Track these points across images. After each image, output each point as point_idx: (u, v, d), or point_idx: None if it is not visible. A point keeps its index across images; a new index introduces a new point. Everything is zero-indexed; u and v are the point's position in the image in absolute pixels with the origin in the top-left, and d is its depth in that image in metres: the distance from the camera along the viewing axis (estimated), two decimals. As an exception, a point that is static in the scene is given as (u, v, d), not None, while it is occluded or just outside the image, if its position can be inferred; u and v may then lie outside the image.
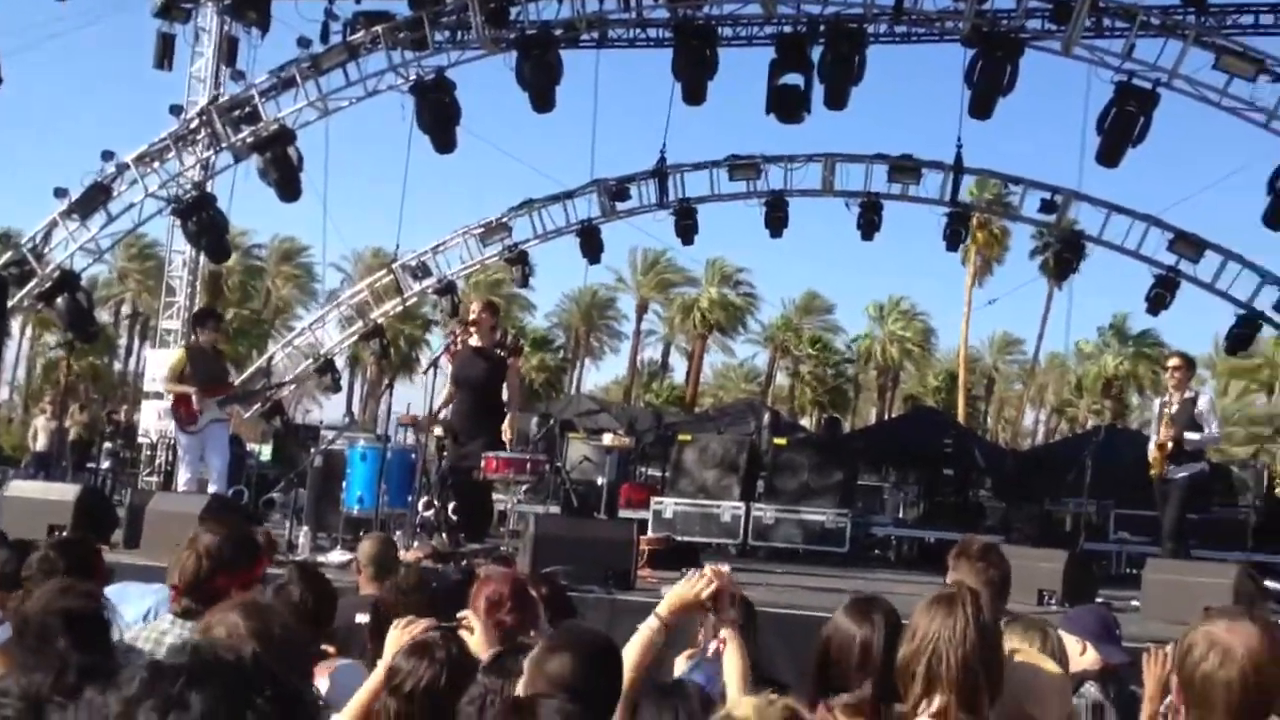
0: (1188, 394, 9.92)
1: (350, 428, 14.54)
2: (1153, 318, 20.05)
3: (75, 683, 1.97)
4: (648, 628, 3.54)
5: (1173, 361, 10.31)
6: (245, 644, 1.62)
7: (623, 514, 13.55)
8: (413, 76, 16.94)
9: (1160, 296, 19.15)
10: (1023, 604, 7.63)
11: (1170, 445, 9.66)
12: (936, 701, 2.78)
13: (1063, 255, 20.56)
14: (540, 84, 16.13)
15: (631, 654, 3.44)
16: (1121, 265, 19.40)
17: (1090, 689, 4.29)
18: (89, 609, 3.02)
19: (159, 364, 19.05)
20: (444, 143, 17.01)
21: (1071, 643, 4.28)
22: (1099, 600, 7.46)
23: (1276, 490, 9.52)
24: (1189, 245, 18.56)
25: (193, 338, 12.87)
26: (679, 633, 3.94)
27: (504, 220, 21.22)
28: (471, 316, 10.43)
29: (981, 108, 15.65)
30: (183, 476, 11.33)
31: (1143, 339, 56.97)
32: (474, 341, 10.16)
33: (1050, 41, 15.97)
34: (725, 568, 3.76)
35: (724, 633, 3.66)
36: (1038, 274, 47.23)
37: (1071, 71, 16.33)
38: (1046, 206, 19.66)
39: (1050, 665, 3.24)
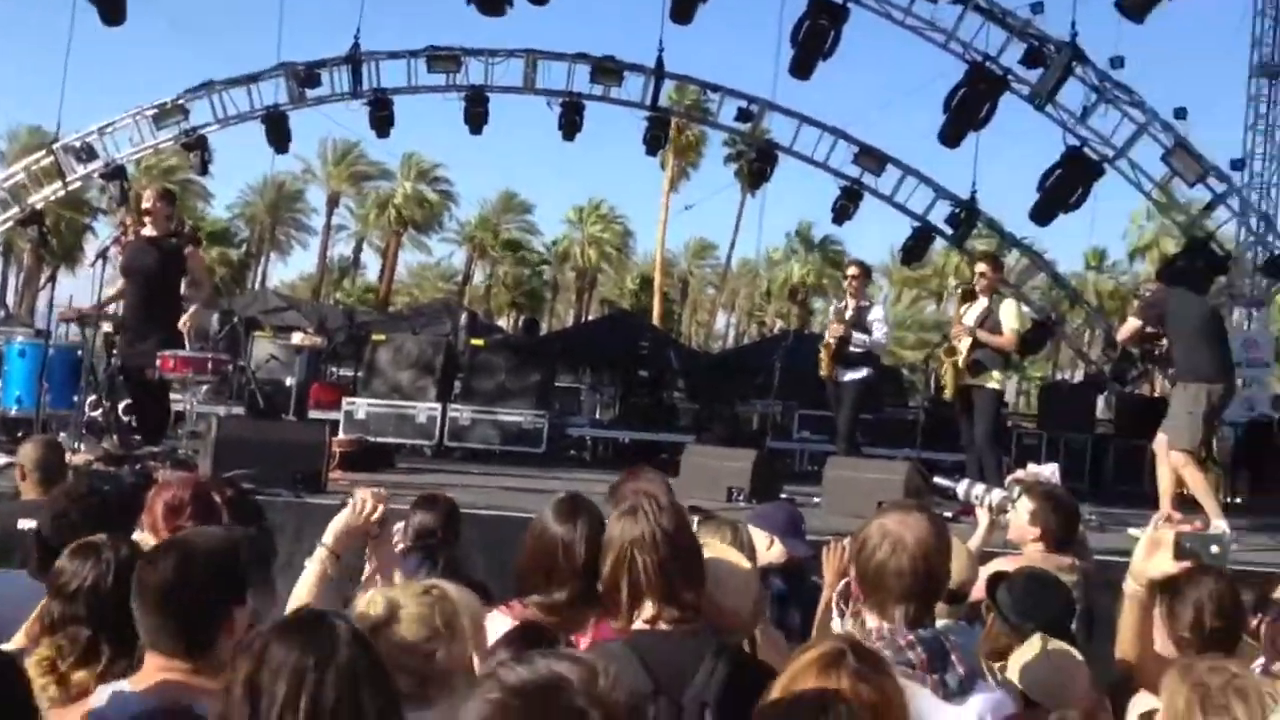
0: (863, 301, 10.36)
1: (5, 322, 13.37)
2: (837, 226, 21.06)
3: None
4: (318, 560, 3.43)
5: (851, 270, 10.75)
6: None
7: (313, 415, 13.11)
8: (76, -61, 15.46)
9: (845, 207, 20.13)
10: (713, 501, 7.92)
11: (835, 345, 10.05)
12: (647, 608, 2.84)
13: (756, 164, 21.19)
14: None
15: (302, 589, 3.37)
16: (811, 175, 20.19)
17: (775, 581, 4.44)
18: None
19: None
20: (113, 13, 15.66)
21: (760, 537, 4.45)
22: (784, 496, 7.78)
23: (944, 393, 10.13)
24: (872, 159, 19.54)
25: None
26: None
27: (180, 102, 19.77)
28: (145, 204, 9.69)
29: (682, 12, 15.81)
30: None
31: (826, 247, 59.97)
32: (147, 231, 9.44)
33: (748, -47, 16.24)
34: (382, 491, 3.65)
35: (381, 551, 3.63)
36: (732, 180, 48.72)
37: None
38: (742, 115, 20.18)
39: (739, 558, 3.35)
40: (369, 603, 2.70)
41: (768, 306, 65.47)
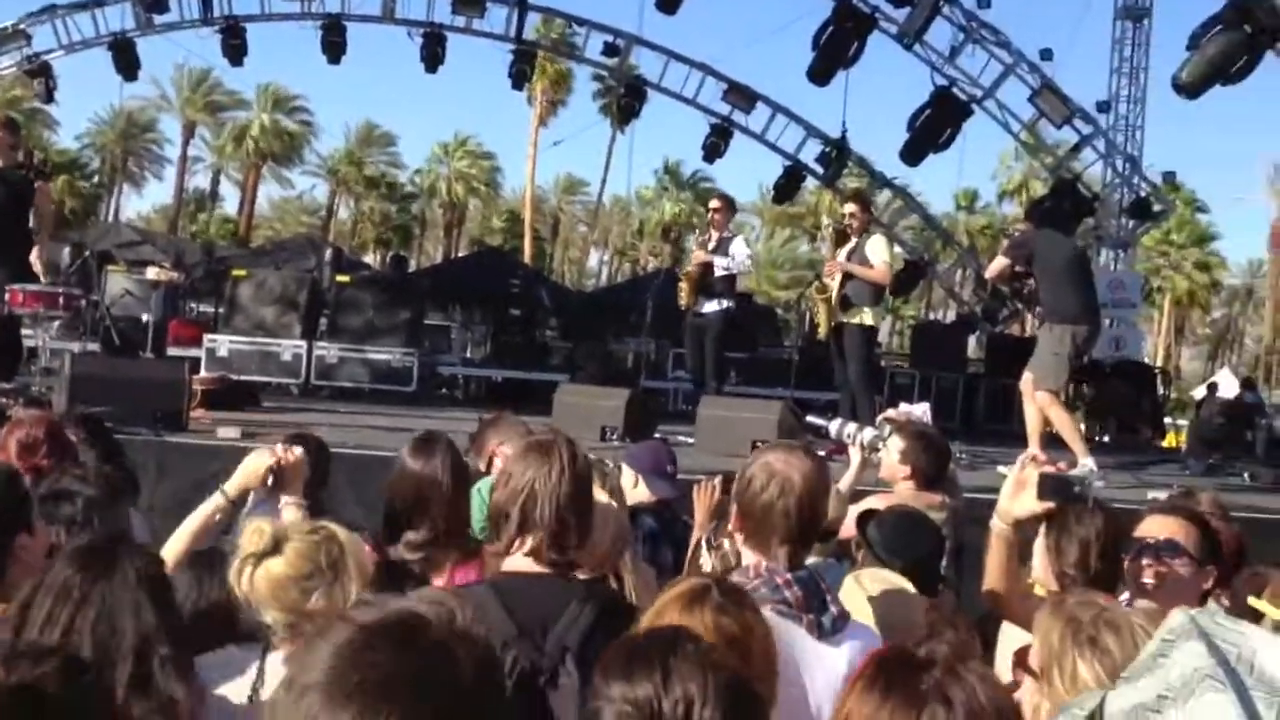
0: (726, 233, 10.34)
1: None
2: (708, 164, 21.05)
3: None
4: (211, 504, 3.42)
5: (714, 203, 10.69)
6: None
7: (172, 353, 12.72)
8: None
9: (715, 145, 20.11)
10: (587, 440, 7.92)
11: (697, 274, 10.04)
12: (529, 541, 2.82)
13: (625, 100, 21.05)
14: None
15: (189, 528, 3.35)
16: (681, 111, 20.14)
17: (646, 520, 4.48)
18: None
19: None
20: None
21: (628, 476, 4.47)
22: (657, 436, 7.81)
23: (819, 332, 10.18)
24: (742, 96, 19.52)
25: None
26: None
27: (21, 27, 18.79)
28: (-14, 135, 9.22)
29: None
30: None
31: (697, 184, 60.00)
32: (-8, 163, 9.02)
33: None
34: (298, 450, 3.61)
35: (286, 512, 3.53)
36: (601, 117, 48.36)
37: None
38: (609, 50, 19.96)
39: (600, 496, 3.34)
40: (254, 531, 2.65)
41: (640, 245, 65.38)
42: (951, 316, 29.58)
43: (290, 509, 3.48)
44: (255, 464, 3.48)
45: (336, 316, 13.79)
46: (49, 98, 20.86)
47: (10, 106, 40.79)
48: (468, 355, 16.99)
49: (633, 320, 15.11)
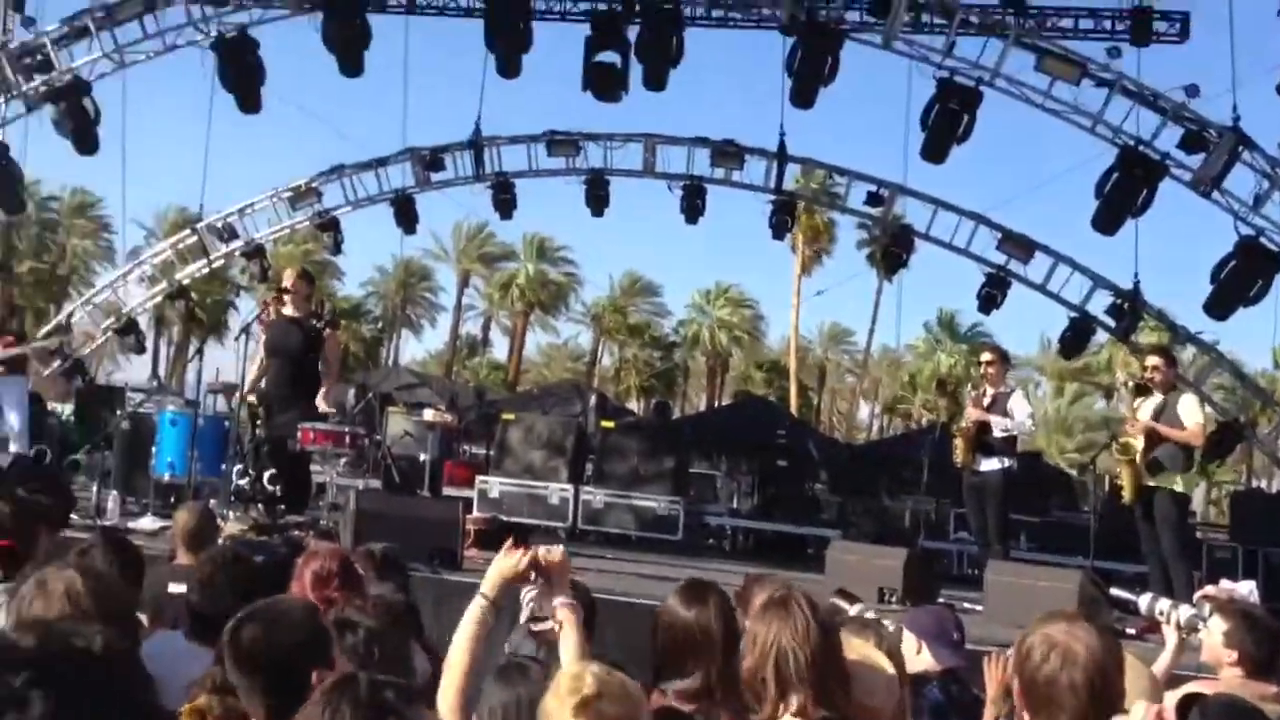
0: (1003, 388, 9.90)
1: (158, 391, 13.73)
2: (984, 315, 20.28)
3: None
4: (477, 607, 3.46)
5: (986, 356, 10.32)
6: (93, 630, 1.50)
7: (447, 492, 13.13)
8: (214, 33, 16.12)
9: (991, 296, 19.12)
10: (864, 601, 7.57)
11: (974, 430, 9.60)
12: (794, 701, 2.73)
13: (891, 249, 20.73)
14: (348, 47, 15.52)
15: (464, 637, 3.38)
16: (953, 260, 19.60)
17: (932, 690, 4.22)
18: None
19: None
20: (249, 103, 16.26)
21: (910, 643, 4.26)
22: (941, 601, 7.40)
23: (1122, 496, 9.37)
24: (1018, 245, 18.65)
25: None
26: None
27: (314, 185, 20.40)
28: (285, 283, 9.98)
29: (803, 97, 15.56)
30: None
31: (973, 336, 57.85)
32: (288, 311, 9.76)
33: (870, 35, 16.01)
34: (559, 549, 3.65)
35: (561, 612, 3.54)
36: (866, 265, 47.94)
37: (894, 64, 16.41)
38: (873, 199, 19.75)
39: (880, 659, 3.21)
40: (576, 678, 2.67)
41: (912, 397, 63.76)
42: (1276, 485, 27.10)
43: (565, 610, 3.48)
44: (508, 562, 3.50)
45: (602, 462, 13.94)
46: (337, 249, 22.48)
47: (304, 256, 44.27)
48: (734, 506, 16.80)
49: (906, 476, 14.61)
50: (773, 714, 2.77)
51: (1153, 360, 9.20)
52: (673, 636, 3.46)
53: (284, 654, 2.85)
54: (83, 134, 16.20)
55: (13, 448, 10.29)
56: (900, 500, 15.55)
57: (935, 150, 16.32)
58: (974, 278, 19.36)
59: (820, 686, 2.73)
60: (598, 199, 19.95)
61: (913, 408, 62.78)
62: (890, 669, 3.24)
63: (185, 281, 21.75)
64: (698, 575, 5.11)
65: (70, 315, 22.78)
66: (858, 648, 3.18)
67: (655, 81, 15.52)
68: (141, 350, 23.96)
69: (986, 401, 9.77)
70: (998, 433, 9.61)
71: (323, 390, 9.73)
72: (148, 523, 8.57)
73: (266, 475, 9.54)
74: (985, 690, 4.09)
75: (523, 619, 4.63)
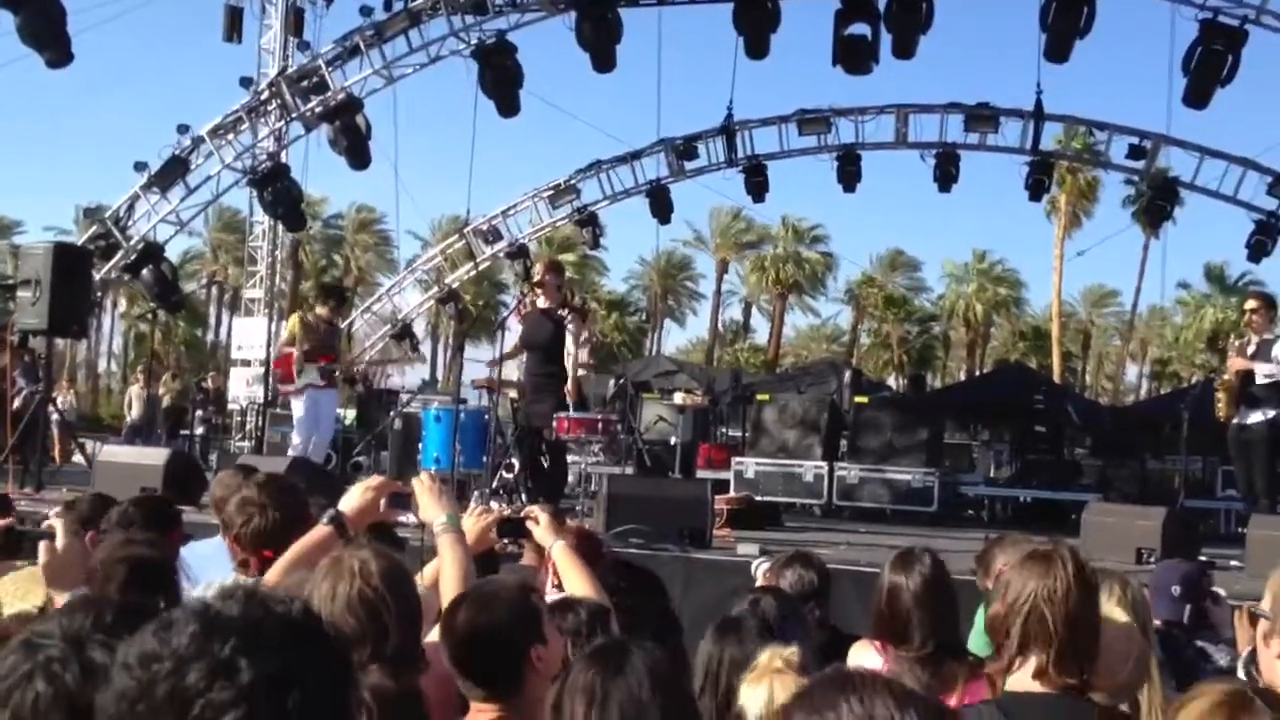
0: (1267, 335, 9.40)
1: (425, 390, 14.59)
2: (1254, 265, 19.31)
3: (113, 622, 1.91)
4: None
5: (1250, 303, 9.82)
6: (295, 602, 1.44)
7: (703, 474, 13.40)
8: (474, 41, 16.92)
9: (1261, 243, 18.41)
10: (1121, 562, 7.39)
11: (1237, 382, 9.24)
12: (1033, 661, 2.66)
13: (1155, 202, 19.91)
14: (600, 44, 15.96)
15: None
16: (1221, 210, 18.67)
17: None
18: (153, 558, 3.00)
19: (246, 332, 19.34)
20: (508, 106, 16.97)
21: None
22: (1201, 559, 7.12)
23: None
24: (1289, 188, 17.82)
25: (311, 309, 12.92)
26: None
27: (572, 182, 21.13)
28: (535, 277, 10.37)
29: (1059, 51, 15.15)
30: (295, 439, 11.45)
31: (1243, 286, 54.63)
32: (540, 303, 10.10)
33: (1128, -21, 15.40)
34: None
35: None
36: (1130, 223, 45.75)
37: (1153, 9, 15.68)
38: (1135, 152, 19.02)
39: (1119, 614, 3.08)
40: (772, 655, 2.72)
41: (1182, 355, 60.48)
42: None
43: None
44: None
45: (856, 437, 13.91)
46: (595, 244, 23.20)
47: (565, 252, 45.73)
48: (991, 475, 16.41)
49: (1170, 436, 13.93)
50: (1006, 667, 2.71)
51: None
52: (888, 600, 3.59)
53: (496, 633, 2.91)
54: (356, 150, 17.31)
55: (310, 453, 11.05)
56: (1165, 461, 14.81)
57: (1198, 95, 15.59)
58: (1243, 226, 18.41)
59: (1065, 650, 2.63)
60: (849, 174, 19.91)
61: (1182, 366, 59.26)
62: (1126, 619, 3.11)
63: (455, 285, 22.96)
64: (950, 546, 5.16)
65: (350, 325, 24.40)
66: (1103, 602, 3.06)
67: (905, 50, 15.37)
68: (418, 354, 25.42)
69: (1251, 350, 9.30)
70: (1262, 380, 9.16)
71: (570, 376, 9.91)
72: (400, 515, 9.10)
73: (525, 465, 9.97)
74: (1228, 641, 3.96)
75: (757, 584, 4.81)
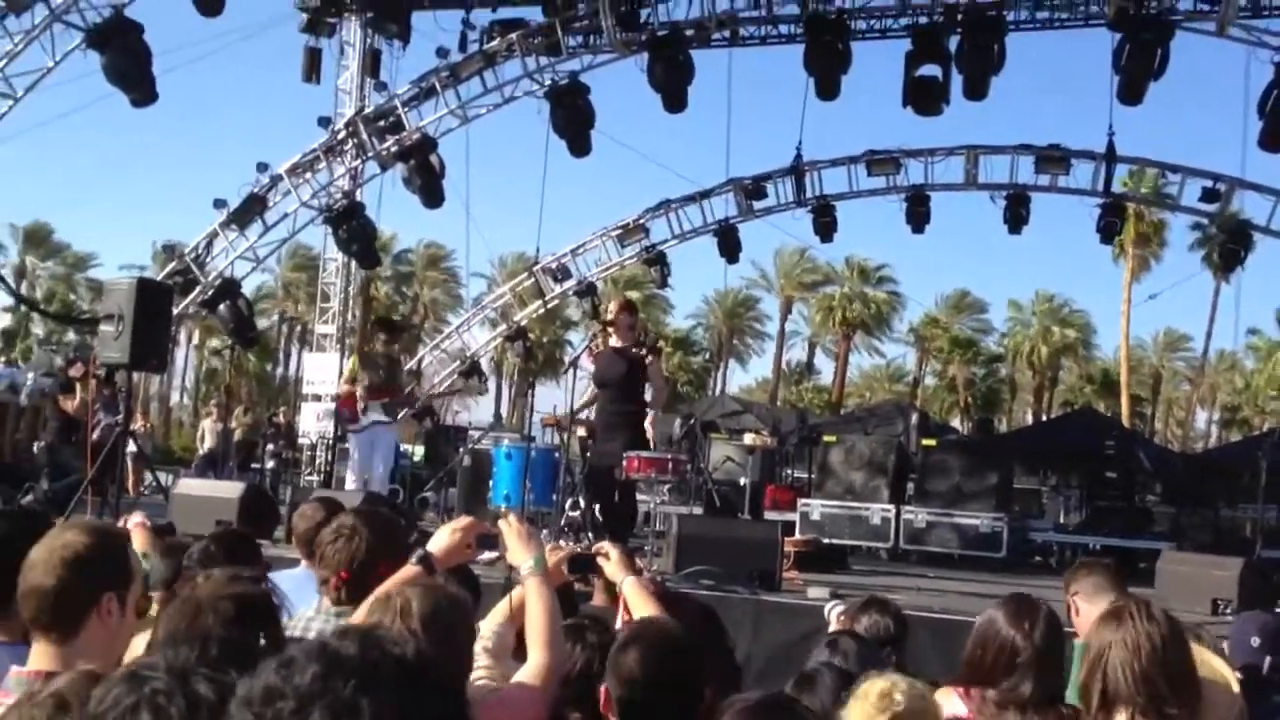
0: None
1: (496, 427, 14.70)
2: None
3: (218, 656, 1.95)
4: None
5: None
6: (409, 643, 1.48)
7: (769, 515, 13.39)
8: (548, 82, 17.20)
9: (1336, 287, 18.17)
10: (1198, 613, 7.28)
11: None
12: (1120, 717, 2.67)
13: (1229, 246, 19.65)
14: (672, 84, 16.14)
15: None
16: (1294, 255, 18.43)
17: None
18: (259, 594, 3.07)
19: (317, 367, 19.63)
20: (579, 146, 17.18)
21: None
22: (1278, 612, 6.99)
23: None
24: (1365, 232, 17.54)
25: (369, 345, 13.20)
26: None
27: (641, 221, 21.28)
28: (609, 316, 10.40)
29: (1132, 93, 15.09)
30: (350, 479, 11.61)
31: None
32: (614, 342, 10.12)
33: (1203, 22, 15.34)
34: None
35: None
36: (1200, 267, 45.22)
37: (1229, 52, 15.64)
38: (1208, 195, 18.87)
39: (1223, 670, 3.10)
40: (886, 694, 2.70)
41: (1252, 402, 59.33)
42: None
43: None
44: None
45: (924, 480, 13.83)
46: (663, 283, 23.31)
47: (630, 290, 45.93)
48: (1061, 521, 16.21)
49: (1245, 484, 13.70)
50: None
51: None
52: (989, 644, 3.47)
53: (668, 680, 2.92)
54: (430, 189, 17.61)
55: (374, 489, 11.20)
56: (1239, 509, 14.56)
57: (1275, 138, 15.44)
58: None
59: (1150, 702, 2.62)
60: (918, 215, 19.90)
61: (1254, 414, 58.07)
62: (1231, 679, 3.14)
63: (523, 322, 23.15)
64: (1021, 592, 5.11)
65: (419, 361, 24.67)
66: (1200, 656, 3.04)
67: (976, 91, 15.42)
68: (485, 391, 25.62)
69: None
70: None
71: (650, 416, 10.05)
72: (486, 554, 9.16)
73: (596, 506, 9.99)
74: None
75: (832, 627, 4.81)
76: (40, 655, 2.78)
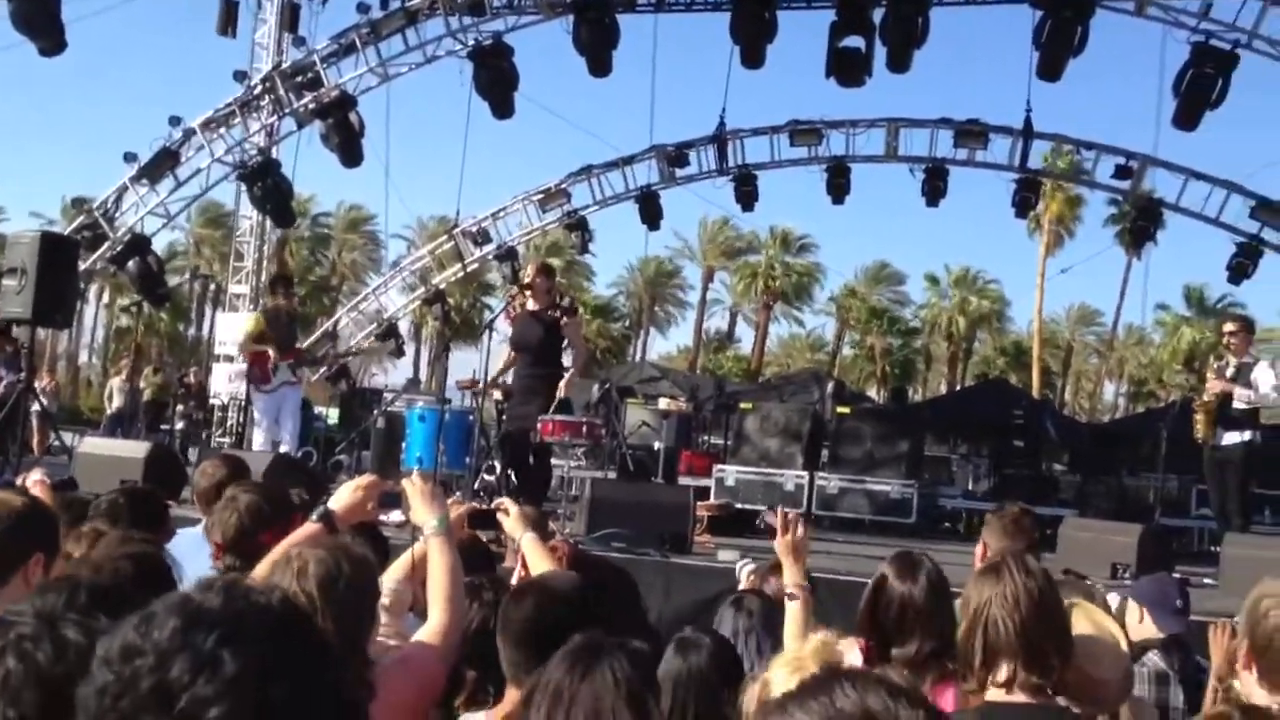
0: (1246, 359, 9.59)
1: (410, 389, 14.58)
2: (1234, 287, 19.54)
3: (86, 602, 1.96)
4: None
5: (1229, 326, 10.07)
6: (275, 592, 1.44)
7: (685, 481, 13.43)
8: (471, 42, 16.95)
9: (1242, 265, 18.68)
10: (1096, 577, 7.45)
11: (1215, 403, 9.40)
12: (1003, 670, 2.69)
13: (1139, 223, 20.12)
14: (597, 48, 16.02)
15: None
16: (1204, 233, 18.90)
17: (1153, 657, 4.19)
18: (157, 555, 3.07)
19: (230, 328, 19.31)
20: (502, 109, 17.02)
21: (1133, 611, 4.22)
22: (1175, 576, 7.21)
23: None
24: (1273, 212, 18.00)
25: (267, 302, 13.00)
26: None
27: (563, 186, 21.16)
28: (526, 279, 10.35)
29: (1051, 69, 15.28)
30: (257, 438, 11.51)
31: (1222, 309, 55.23)
32: (530, 305, 10.08)
33: (1123, 1, 15.56)
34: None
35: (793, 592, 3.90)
36: (1113, 242, 46.21)
37: (1146, 31, 15.89)
38: (1122, 172, 19.24)
39: (1110, 626, 3.15)
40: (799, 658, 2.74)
41: (1159, 376, 61.05)
42: None
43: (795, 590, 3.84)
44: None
45: (837, 447, 13.96)
46: (584, 249, 23.24)
47: (553, 257, 45.78)
48: (970, 488, 16.52)
49: (1147, 454, 14.05)
50: (980, 684, 2.73)
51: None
52: (877, 603, 3.55)
53: (557, 629, 2.92)
54: (348, 147, 17.30)
55: (283, 449, 11.08)
56: (1141, 478, 14.93)
57: (1187, 117, 15.78)
58: (1224, 248, 18.69)
59: (1031, 654, 2.64)
60: (839, 187, 20.01)
61: (1159, 387, 59.80)
62: (1120, 637, 3.19)
63: (441, 286, 22.95)
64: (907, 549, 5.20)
65: (336, 323, 24.37)
66: (1088, 613, 3.12)
67: (900, 64, 15.47)
68: (401, 354, 25.38)
69: (1229, 373, 9.47)
70: (1240, 405, 9.37)
71: (567, 375, 9.95)
72: (396, 515, 9.14)
73: (509, 468, 9.96)
74: (1210, 659, 4.01)
75: (741, 586, 4.85)
76: None
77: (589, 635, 2.62)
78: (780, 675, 2.64)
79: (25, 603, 1.95)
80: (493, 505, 4.28)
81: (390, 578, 3.56)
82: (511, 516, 4.11)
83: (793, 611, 3.92)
